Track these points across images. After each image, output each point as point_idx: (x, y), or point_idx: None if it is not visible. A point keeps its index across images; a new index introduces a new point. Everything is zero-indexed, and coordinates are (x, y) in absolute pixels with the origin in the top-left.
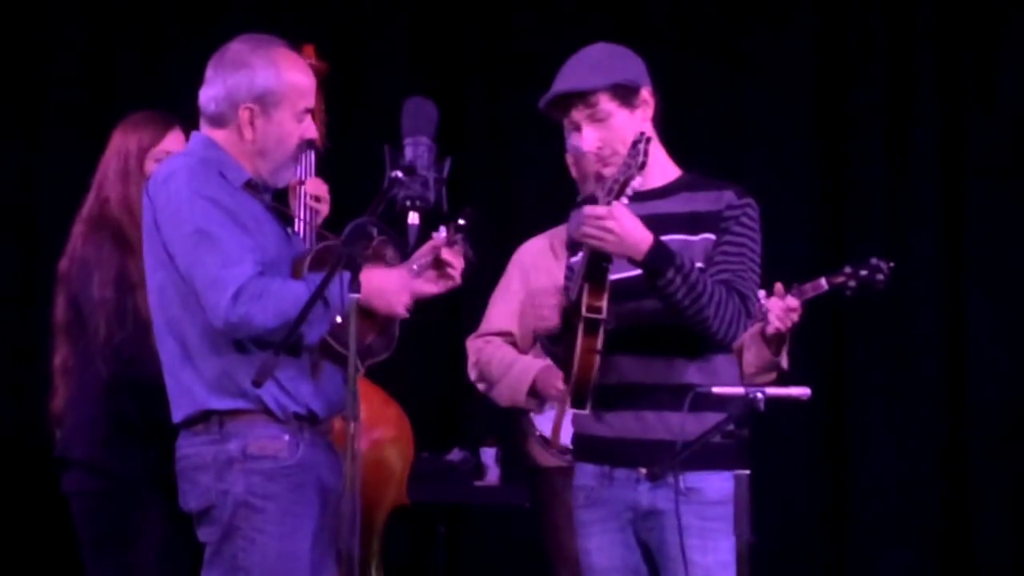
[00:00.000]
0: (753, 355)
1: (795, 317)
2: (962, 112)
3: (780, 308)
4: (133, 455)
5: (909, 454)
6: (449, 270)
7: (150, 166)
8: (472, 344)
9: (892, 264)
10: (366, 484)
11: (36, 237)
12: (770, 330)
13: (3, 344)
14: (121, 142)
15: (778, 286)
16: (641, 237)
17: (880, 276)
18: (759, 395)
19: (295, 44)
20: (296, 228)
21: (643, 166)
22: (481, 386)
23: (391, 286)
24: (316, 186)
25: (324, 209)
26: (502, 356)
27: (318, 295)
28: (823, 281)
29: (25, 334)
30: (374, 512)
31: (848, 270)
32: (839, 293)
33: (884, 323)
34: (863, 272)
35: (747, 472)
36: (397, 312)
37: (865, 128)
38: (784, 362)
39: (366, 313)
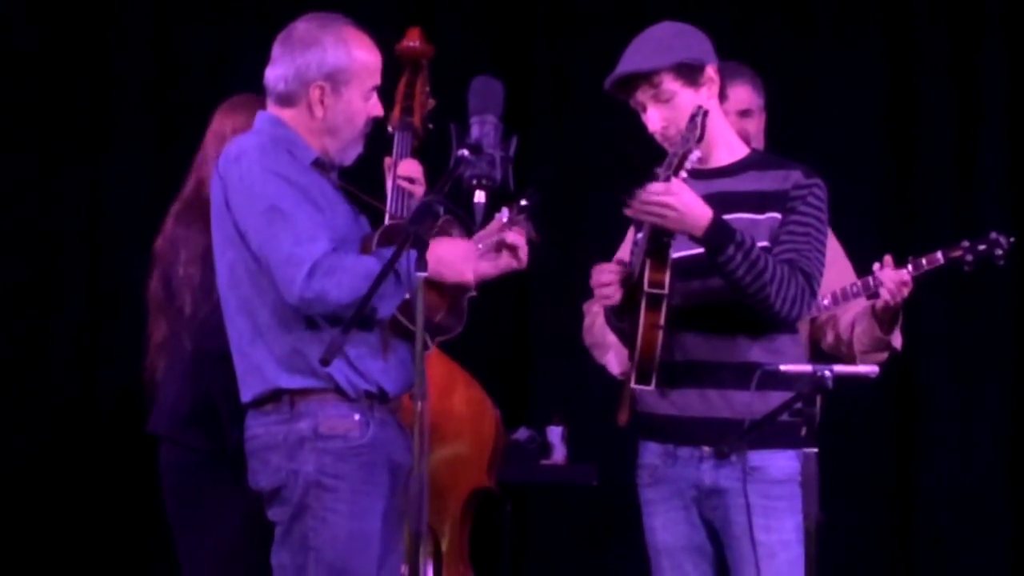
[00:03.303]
0: (863, 331)
1: (906, 292)
2: None
3: (893, 281)
4: (216, 430)
5: (977, 433)
6: (512, 251)
7: None
8: (586, 308)
9: (1012, 239)
10: (437, 464)
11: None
12: (880, 304)
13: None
14: (219, 125)
15: (887, 258)
16: (701, 213)
17: (999, 251)
18: (827, 373)
19: (395, 27)
20: (387, 208)
21: (701, 139)
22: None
23: (458, 255)
24: (411, 167)
25: (418, 191)
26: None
27: (389, 268)
28: (939, 255)
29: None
30: (447, 493)
31: (966, 244)
32: (956, 268)
33: (954, 301)
34: (981, 247)
35: (815, 450)
36: (466, 280)
37: (933, 104)
38: (897, 341)
39: (436, 287)
